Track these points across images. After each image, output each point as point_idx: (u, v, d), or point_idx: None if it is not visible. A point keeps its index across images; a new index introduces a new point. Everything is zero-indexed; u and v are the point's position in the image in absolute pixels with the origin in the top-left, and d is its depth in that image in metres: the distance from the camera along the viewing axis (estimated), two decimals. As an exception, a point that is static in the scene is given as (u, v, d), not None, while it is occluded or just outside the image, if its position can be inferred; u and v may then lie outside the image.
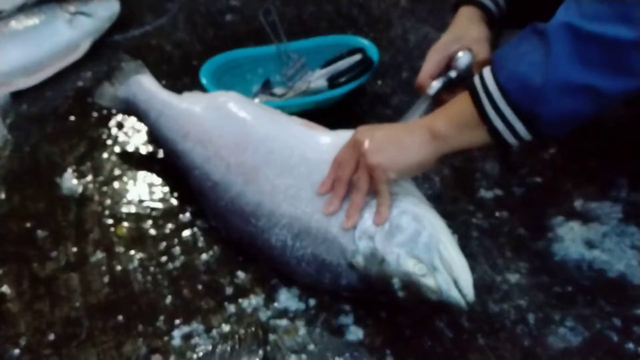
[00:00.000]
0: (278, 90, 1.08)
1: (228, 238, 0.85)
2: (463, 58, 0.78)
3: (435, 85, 0.80)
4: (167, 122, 0.91)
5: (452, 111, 0.70)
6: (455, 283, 0.65)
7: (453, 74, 0.80)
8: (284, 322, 0.74)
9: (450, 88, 0.80)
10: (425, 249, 0.66)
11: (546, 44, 0.62)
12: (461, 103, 0.69)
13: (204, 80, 1.04)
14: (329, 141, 0.78)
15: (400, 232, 0.68)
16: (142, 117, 0.98)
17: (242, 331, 0.73)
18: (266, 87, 1.10)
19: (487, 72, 0.67)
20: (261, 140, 0.81)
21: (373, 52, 1.03)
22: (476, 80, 0.68)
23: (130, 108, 1.00)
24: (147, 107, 0.95)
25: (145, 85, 0.99)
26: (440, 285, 0.65)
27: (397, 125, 0.77)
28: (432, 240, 0.67)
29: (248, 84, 1.12)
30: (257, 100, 1.05)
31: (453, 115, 0.69)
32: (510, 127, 0.66)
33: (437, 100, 0.81)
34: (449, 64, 0.83)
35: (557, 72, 0.61)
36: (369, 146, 0.70)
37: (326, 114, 1.00)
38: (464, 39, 0.81)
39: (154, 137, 0.97)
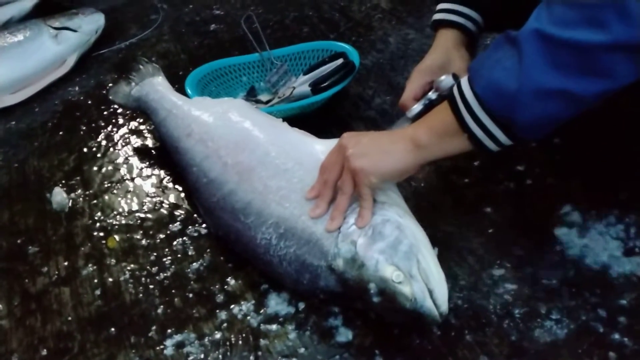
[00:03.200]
0: (263, 97, 1.09)
1: (216, 234, 0.86)
2: (445, 81, 0.80)
3: (416, 108, 0.82)
4: (174, 120, 0.95)
5: (433, 121, 0.72)
6: (431, 294, 0.66)
7: (434, 95, 0.81)
8: (274, 326, 0.74)
9: (431, 109, 0.80)
10: (404, 257, 0.67)
11: (518, 51, 0.63)
12: (441, 113, 0.71)
13: (188, 90, 1.05)
14: (325, 149, 0.79)
15: (382, 239, 0.69)
16: (151, 115, 1.02)
17: (233, 337, 0.74)
18: (251, 95, 1.11)
19: (464, 81, 0.69)
20: (259, 144, 0.84)
21: (354, 56, 1.04)
22: (455, 89, 0.69)
23: (141, 106, 1.04)
24: (157, 106, 1.00)
25: (157, 86, 1.03)
26: (415, 294, 0.65)
27: (381, 133, 0.78)
28: (412, 249, 0.68)
29: (233, 92, 1.12)
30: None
31: (434, 125, 0.71)
32: (489, 133, 0.67)
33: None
34: (432, 85, 0.84)
35: (530, 78, 0.62)
36: (353, 150, 0.72)
37: (311, 118, 1.01)
38: (450, 65, 0.82)
39: (159, 134, 1.00)
